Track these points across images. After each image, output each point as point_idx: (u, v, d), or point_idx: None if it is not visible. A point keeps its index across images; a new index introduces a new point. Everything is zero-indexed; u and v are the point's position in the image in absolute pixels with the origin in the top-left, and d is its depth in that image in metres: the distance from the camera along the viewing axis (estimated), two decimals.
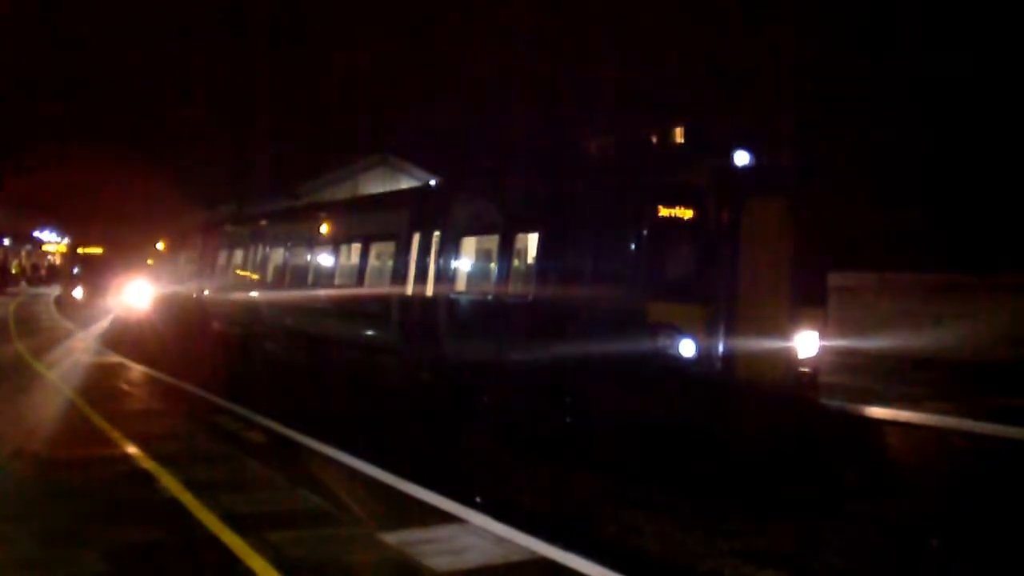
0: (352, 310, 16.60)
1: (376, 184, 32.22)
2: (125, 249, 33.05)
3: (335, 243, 18.13)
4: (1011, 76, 19.28)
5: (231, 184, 39.31)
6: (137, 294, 29.20)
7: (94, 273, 34.34)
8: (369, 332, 16.08)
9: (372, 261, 16.84)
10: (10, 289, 48.41)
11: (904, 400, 12.91)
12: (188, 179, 43.80)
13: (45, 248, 66.40)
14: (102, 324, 27.69)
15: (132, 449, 9.62)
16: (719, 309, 9.89)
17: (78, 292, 34.88)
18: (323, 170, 35.15)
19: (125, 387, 15.00)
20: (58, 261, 59.67)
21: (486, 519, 7.25)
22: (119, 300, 30.52)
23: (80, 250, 36.81)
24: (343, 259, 17.92)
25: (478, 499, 8.64)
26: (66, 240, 38.60)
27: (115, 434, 10.33)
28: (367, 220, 17.67)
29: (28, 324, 27.89)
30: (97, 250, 36.07)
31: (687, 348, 9.79)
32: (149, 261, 30.95)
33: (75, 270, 36.64)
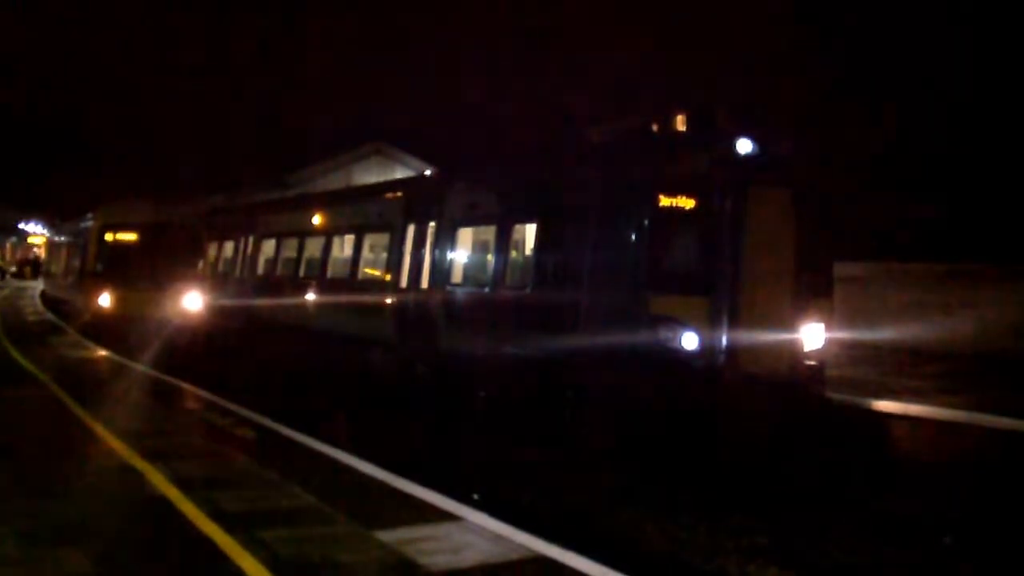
0: (346, 304, 16.42)
1: (369, 174, 32.05)
2: (174, 236, 23.36)
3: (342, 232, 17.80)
4: (1018, 60, 19.14)
5: (215, 173, 38.71)
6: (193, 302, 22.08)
7: (131, 269, 23.00)
8: (362, 326, 15.90)
9: (366, 253, 16.66)
10: None
11: (913, 393, 12.74)
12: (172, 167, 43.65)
13: (31, 240, 66.00)
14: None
15: None
16: (722, 301, 9.72)
17: (105, 299, 22.90)
18: (314, 159, 34.93)
19: None
20: (43, 254, 57.80)
21: (484, 516, 7.08)
22: (174, 311, 21.97)
23: (110, 236, 23.97)
24: (344, 251, 17.71)
25: (475, 496, 8.46)
26: (89, 221, 25.28)
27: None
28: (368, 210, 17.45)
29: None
30: (131, 236, 23.87)
31: (690, 341, 9.61)
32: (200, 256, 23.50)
33: (98, 266, 23.82)
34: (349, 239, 17.36)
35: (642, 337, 9.69)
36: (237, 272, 22.52)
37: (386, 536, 6.52)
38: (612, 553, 6.58)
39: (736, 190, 9.93)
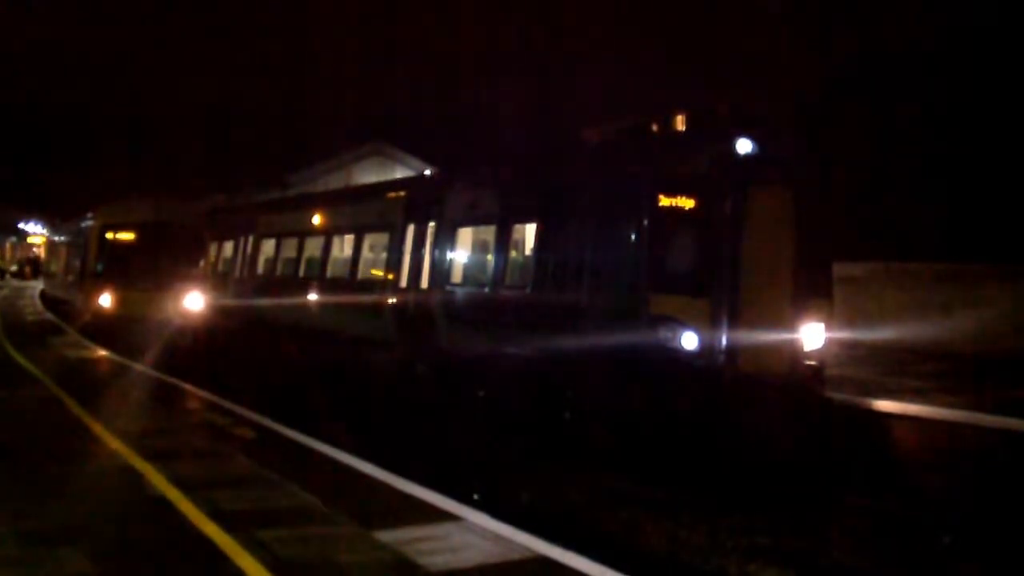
0: (346, 304, 16.42)
1: (369, 174, 32.08)
2: (174, 236, 22.98)
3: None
4: (1019, 59, 19.11)
5: (215, 173, 38.71)
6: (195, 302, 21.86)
7: (131, 269, 22.57)
8: (362, 325, 15.90)
9: (366, 253, 16.65)
10: None
11: (912, 393, 12.70)
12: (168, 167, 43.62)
13: (31, 240, 65.86)
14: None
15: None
16: (722, 301, 9.70)
17: (105, 299, 22.51)
18: (314, 159, 35.01)
19: None
20: (43, 254, 57.47)
21: (483, 517, 7.07)
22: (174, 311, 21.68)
23: (110, 236, 23.54)
24: (344, 251, 17.70)
25: (475, 496, 8.46)
26: (89, 221, 25.01)
27: None
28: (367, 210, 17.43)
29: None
30: (131, 236, 23.46)
31: (689, 341, 9.59)
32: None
33: (98, 266, 23.31)
34: (349, 239, 17.36)
35: (642, 337, 9.68)
36: (237, 272, 22.49)
37: (386, 536, 6.51)
38: (612, 553, 6.58)
39: (736, 190, 9.91)
